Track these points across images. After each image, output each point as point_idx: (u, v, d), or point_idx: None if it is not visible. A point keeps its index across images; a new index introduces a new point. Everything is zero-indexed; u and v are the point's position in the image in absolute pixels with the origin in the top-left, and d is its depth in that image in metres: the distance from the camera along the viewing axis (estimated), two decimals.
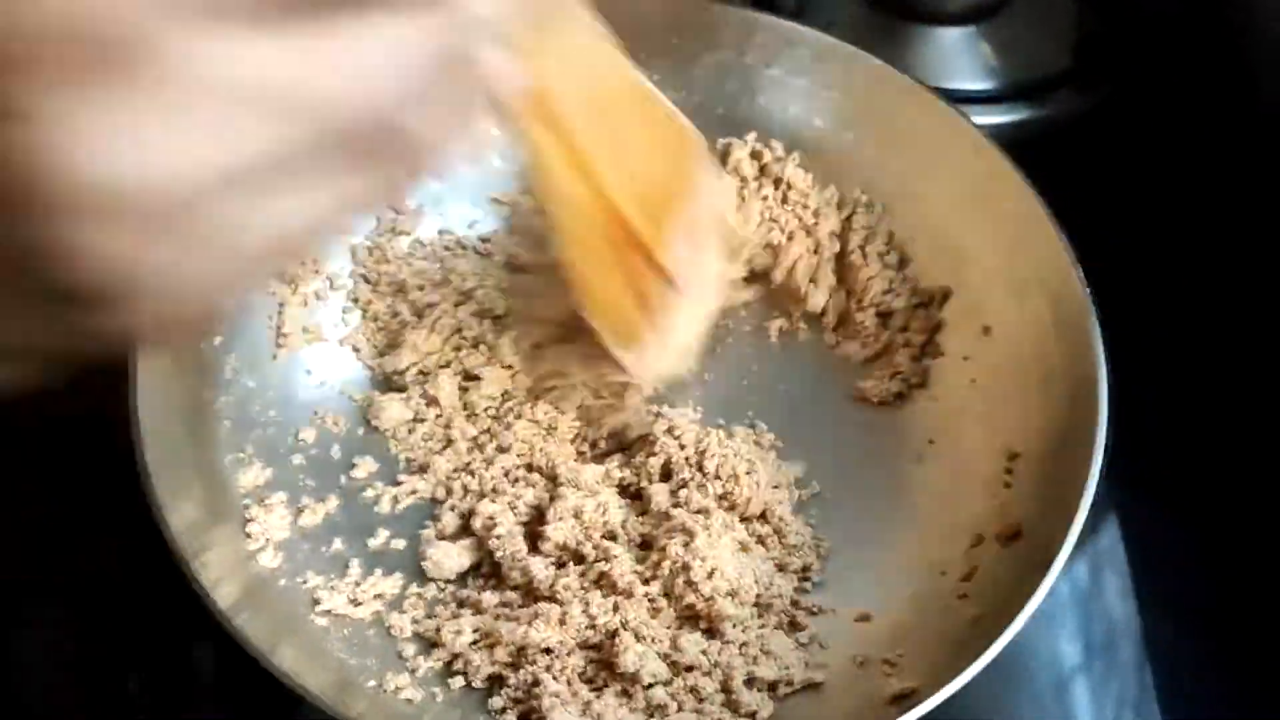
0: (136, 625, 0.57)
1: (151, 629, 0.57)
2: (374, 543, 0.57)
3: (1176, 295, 0.73)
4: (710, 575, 0.52)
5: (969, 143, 0.62)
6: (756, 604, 0.54)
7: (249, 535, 0.54)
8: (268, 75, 0.22)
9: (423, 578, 0.56)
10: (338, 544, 0.56)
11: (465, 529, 0.57)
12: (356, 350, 0.62)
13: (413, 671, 0.53)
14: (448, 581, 0.56)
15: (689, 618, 0.53)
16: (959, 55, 0.79)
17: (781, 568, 0.56)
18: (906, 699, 0.49)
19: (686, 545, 0.53)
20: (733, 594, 0.52)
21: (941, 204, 0.64)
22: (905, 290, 0.64)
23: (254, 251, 0.24)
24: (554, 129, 0.43)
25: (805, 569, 0.57)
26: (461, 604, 0.55)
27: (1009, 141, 0.60)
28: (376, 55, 0.24)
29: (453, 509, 0.57)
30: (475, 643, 0.53)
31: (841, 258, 0.65)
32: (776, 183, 0.66)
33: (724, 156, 0.66)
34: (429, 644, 0.54)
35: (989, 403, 0.60)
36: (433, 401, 0.59)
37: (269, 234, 0.24)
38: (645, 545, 0.55)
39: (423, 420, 0.60)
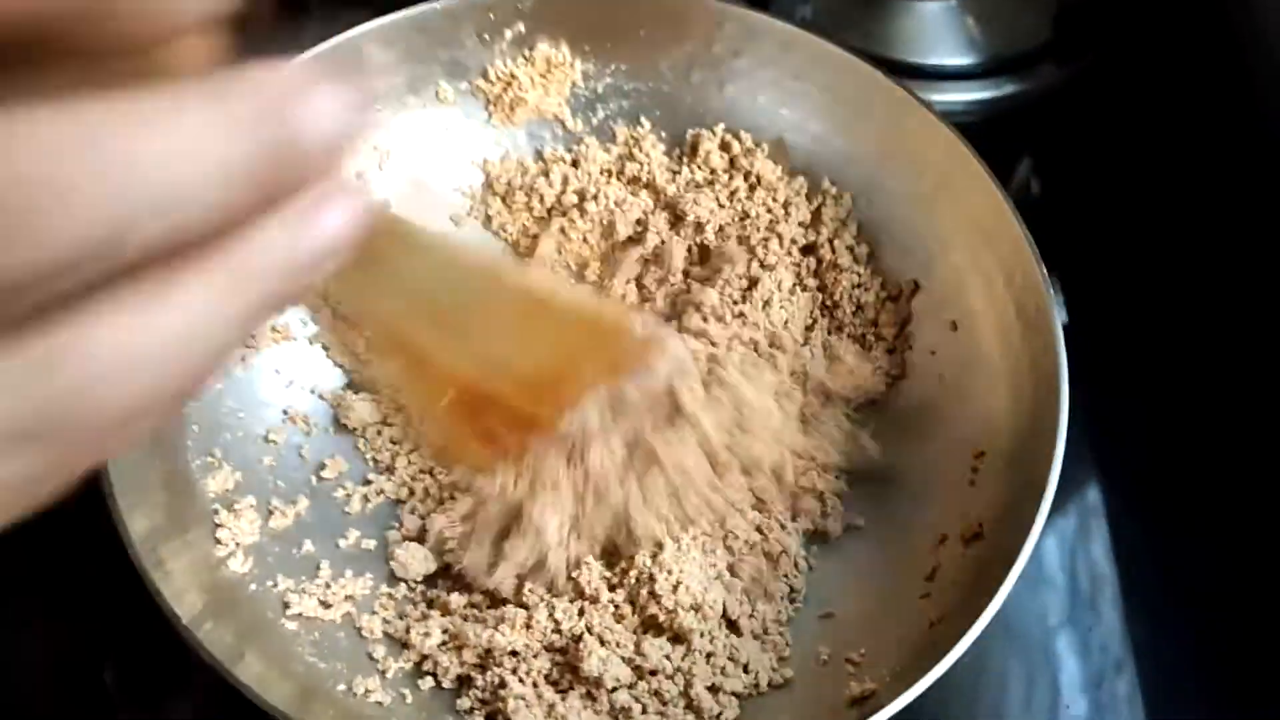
0: (112, 617, 0.58)
1: (127, 620, 0.57)
2: (344, 543, 0.57)
3: (1159, 273, 0.72)
4: (675, 589, 0.53)
5: (936, 136, 0.61)
6: (724, 617, 0.54)
7: (218, 541, 0.55)
8: None
9: (393, 578, 0.57)
10: (308, 546, 0.57)
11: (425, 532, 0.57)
12: (326, 349, 0.62)
13: (383, 673, 0.53)
14: (417, 582, 0.57)
15: (653, 625, 0.54)
16: (940, 29, 0.79)
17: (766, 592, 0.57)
18: (867, 700, 0.50)
19: (654, 557, 0.53)
20: (696, 608, 0.53)
21: (908, 197, 0.64)
22: (875, 284, 0.64)
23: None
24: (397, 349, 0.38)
25: (792, 590, 0.57)
26: (430, 604, 0.56)
27: (991, 115, 0.60)
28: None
29: (413, 511, 0.57)
30: (444, 644, 0.54)
31: (812, 250, 0.65)
32: (746, 175, 0.66)
33: (693, 148, 0.66)
34: (399, 645, 0.55)
35: (956, 399, 0.60)
36: (401, 407, 0.60)
37: None
38: (613, 552, 0.56)
39: (391, 423, 0.60)
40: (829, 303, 0.65)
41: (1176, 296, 0.72)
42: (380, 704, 0.52)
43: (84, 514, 0.53)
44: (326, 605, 0.55)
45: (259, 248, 0.21)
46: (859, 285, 0.64)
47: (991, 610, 0.48)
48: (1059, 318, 0.55)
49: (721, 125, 0.66)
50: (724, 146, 0.66)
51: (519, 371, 0.38)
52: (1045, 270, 0.56)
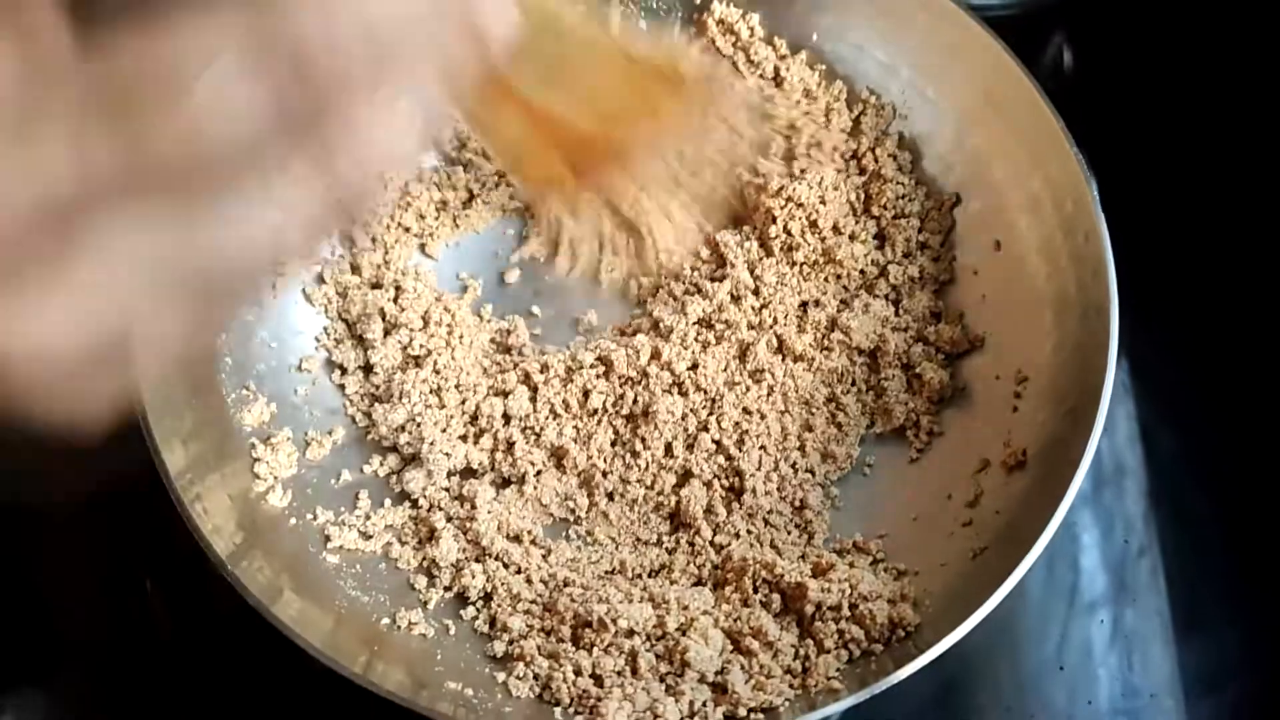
0: (155, 539, 0.58)
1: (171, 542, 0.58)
2: (383, 469, 0.57)
3: (1195, 166, 0.70)
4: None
5: (982, 48, 0.59)
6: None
7: (257, 476, 0.54)
8: (154, 247, 0.24)
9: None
10: (346, 475, 0.57)
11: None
12: (356, 270, 0.61)
13: (424, 604, 0.54)
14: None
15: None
16: None
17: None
18: (916, 633, 0.50)
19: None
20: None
21: (952, 112, 0.62)
22: (919, 194, 0.63)
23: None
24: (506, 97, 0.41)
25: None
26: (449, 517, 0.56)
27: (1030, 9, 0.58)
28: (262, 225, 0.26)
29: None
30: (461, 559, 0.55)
31: (856, 159, 0.64)
32: (777, 80, 0.64)
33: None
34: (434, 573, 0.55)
35: (998, 322, 0.59)
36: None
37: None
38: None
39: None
40: (875, 212, 0.63)
41: (1212, 192, 0.70)
42: (424, 636, 0.52)
43: (125, 451, 0.53)
44: (367, 536, 0.55)
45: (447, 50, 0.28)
46: (904, 196, 0.63)
47: (1040, 546, 0.47)
48: (1109, 244, 0.53)
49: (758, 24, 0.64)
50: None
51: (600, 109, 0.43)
52: (1097, 194, 0.54)
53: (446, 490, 0.56)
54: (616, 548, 0.56)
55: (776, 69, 0.64)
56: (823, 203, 0.61)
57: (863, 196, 0.63)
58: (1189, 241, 0.68)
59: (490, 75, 0.38)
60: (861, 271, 0.62)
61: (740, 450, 0.57)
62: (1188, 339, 0.66)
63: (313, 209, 0.26)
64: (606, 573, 0.55)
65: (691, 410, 0.58)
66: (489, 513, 0.55)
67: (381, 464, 0.57)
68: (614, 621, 0.51)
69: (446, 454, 0.56)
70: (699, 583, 0.55)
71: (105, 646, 0.58)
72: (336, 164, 0.26)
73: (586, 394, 0.57)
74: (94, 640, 0.58)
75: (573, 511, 0.57)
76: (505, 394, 0.58)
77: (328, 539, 0.54)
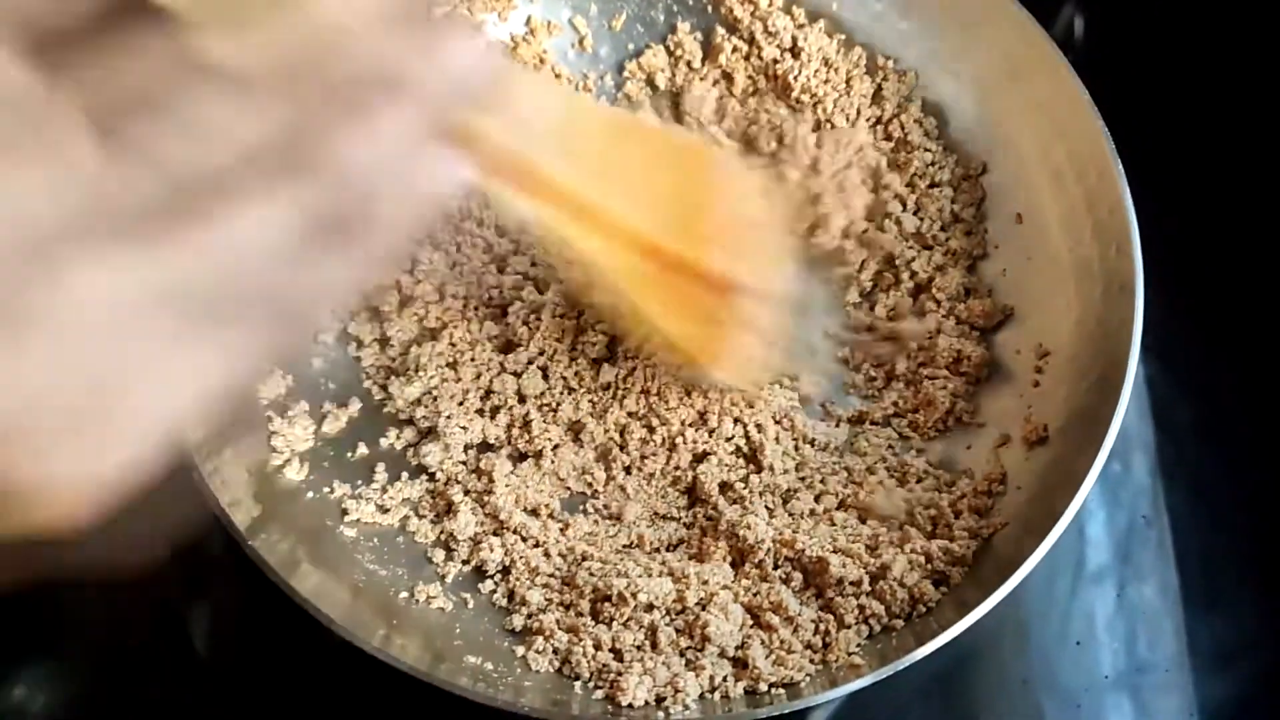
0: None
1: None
2: (399, 443, 0.57)
3: (1210, 126, 0.70)
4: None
5: (1006, 16, 0.58)
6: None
7: (274, 449, 0.54)
8: (141, 287, 0.23)
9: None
10: (362, 448, 0.56)
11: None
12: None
13: (442, 578, 0.54)
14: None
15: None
16: None
17: None
18: (936, 609, 0.50)
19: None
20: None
21: (974, 81, 0.61)
22: (949, 161, 0.62)
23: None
24: (547, 193, 0.40)
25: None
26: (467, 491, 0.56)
27: None
28: (251, 236, 0.24)
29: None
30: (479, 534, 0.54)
31: (882, 123, 0.63)
32: (795, 50, 0.64)
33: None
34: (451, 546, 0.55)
35: (1019, 295, 0.59)
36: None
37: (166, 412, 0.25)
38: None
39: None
40: (906, 185, 0.62)
41: (1226, 160, 0.69)
42: (442, 610, 0.52)
43: None
44: (384, 510, 0.55)
45: (420, 79, 0.27)
46: (934, 163, 0.62)
47: (1062, 524, 0.47)
48: (1134, 219, 0.53)
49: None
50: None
51: (665, 207, 0.44)
52: (1122, 168, 0.53)
53: (464, 464, 0.56)
54: (635, 521, 0.56)
55: (794, 39, 0.64)
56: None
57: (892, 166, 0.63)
58: (1205, 210, 0.67)
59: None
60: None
61: (758, 427, 0.57)
62: (1205, 309, 0.66)
63: (305, 236, 0.25)
64: (624, 546, 0.55)
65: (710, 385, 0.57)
66: (506, 486, 0.55)
67: (398, 437, 0.57)
68: (634, 595, 0.50)
69: (463, 428, 0.56)
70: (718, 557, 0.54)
71: (115, 618, 0.58)
72: (324, 188, 0.25)
73: (598, 369, 0.57)
74: (104, 611, 0.58)
75: (590, 485, 0.57)
76: (518, 373, 0.57)
77: (345, 512, 0.54)
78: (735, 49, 0.64)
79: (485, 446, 0.57)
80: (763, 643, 0.50)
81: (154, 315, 0.23)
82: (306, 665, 0.54)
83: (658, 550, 0.55)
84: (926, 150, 0.62)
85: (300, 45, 0.25)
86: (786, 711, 0.46)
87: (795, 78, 0.63)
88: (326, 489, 0.55)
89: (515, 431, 0.57)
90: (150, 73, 0.24)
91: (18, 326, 0.22)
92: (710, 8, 0.65)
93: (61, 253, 0.22)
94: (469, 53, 0.28)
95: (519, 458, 0.57)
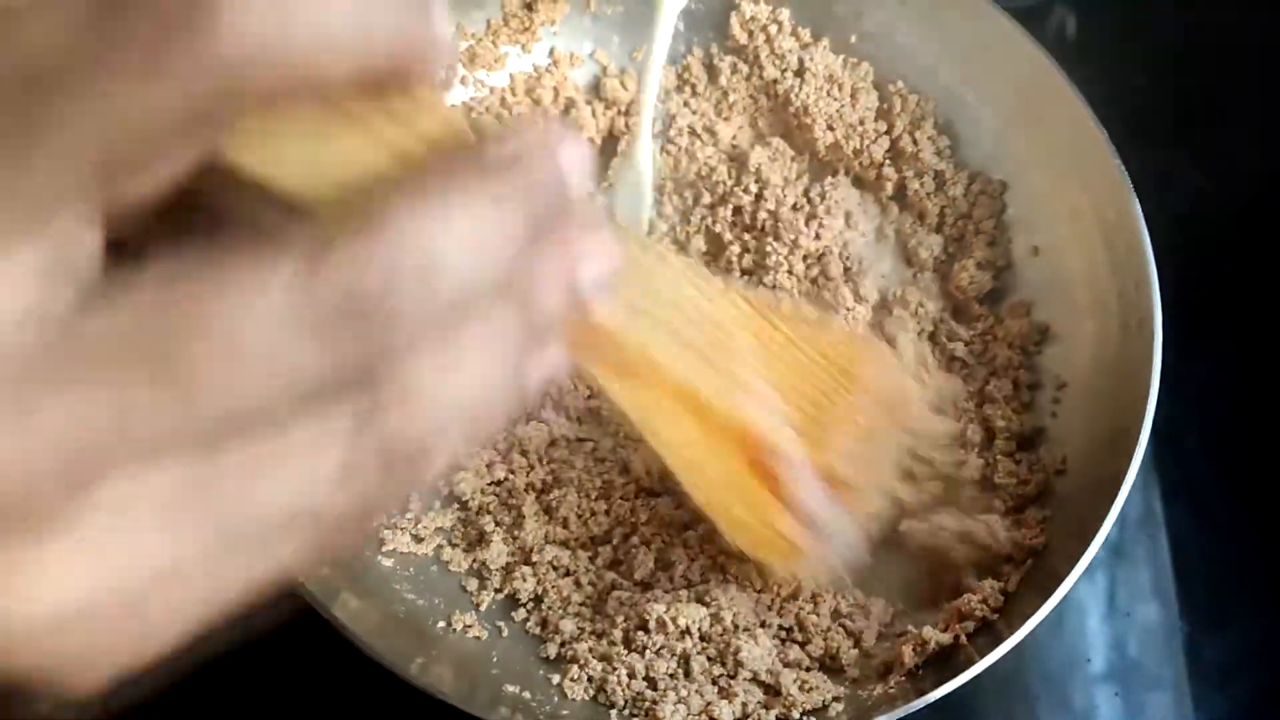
0: None
1: None
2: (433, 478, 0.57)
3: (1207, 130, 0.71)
4: None
5: (1021, 53, 0.60)
6: None
7: None
8: (178, 507, 0.22)
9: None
10: None
11: None
12: None
13: (477, 606, 0.55)
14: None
15: None
16: None
17: None
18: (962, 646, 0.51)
19: None
20: None
21: (989, 115, 0.62)
22: (962, 177, 0.63)
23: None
24: (651, 378, 0.37)
25: None
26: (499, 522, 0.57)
27: None
28: (302, 474, 0.22)
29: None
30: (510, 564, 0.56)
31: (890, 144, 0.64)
32: (800, 71, 0.65)
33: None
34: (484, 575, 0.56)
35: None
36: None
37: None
38: None
39: None
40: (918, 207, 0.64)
41: (1220, 163, 0.70)
42: (478, 639, 0.53)
43: None
44: (418, 539, 0.56)
45: (543, 293, 0.24)
46: (950, 180, 0.63)
47: (1087, 558, 0.49)
48: (1152, 258, 0.54)
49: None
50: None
51: (779, 399, 0.40)
52: (1139, 207, 0.55)
53: (495, 495, 0.57)
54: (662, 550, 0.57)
55: (800, 60, 0.65)
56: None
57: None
58: (1193, 213, 0.68)
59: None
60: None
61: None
62: (1207, 325, 0.66)
63: (359, 467, 0.23)
64: (652, 574, 0.56)
65: None
66: (535, 520, 0.56)
67: None
68: (673, 621, 0.51)
69: (488, 466, 0.57)
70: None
71: None
72: (387, 423, 0.22)
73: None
74: None
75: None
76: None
77: (381, 542, 0.55)
78: (735, 69, 0.65)
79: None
80: (788, 664, 0.52)
81: (190, 529, 0.22)
82: (341, 693, 0.55)
83: (685, 577, 0.56)
84: (937, 169, 0.63)
85: (401, 256, 0.21)
86: None
87: (796, 94, 0.64)
88: None
89: (532, 477, 0.58)
90: (222, 287, 0.21)
91: (47, 535, 0.21)
92: (718, 32, 0.66)
93: (98, 466, 0.21)
94: (598, 255, 0.24)
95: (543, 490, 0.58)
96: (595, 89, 0.66)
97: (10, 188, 0.21)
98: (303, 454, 0.22)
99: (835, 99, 0.63)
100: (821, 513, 0.45)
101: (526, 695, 0.51)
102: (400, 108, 0.24)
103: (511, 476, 0.57)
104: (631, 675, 0.51)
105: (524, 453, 0.58)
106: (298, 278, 0.21)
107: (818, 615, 0.53)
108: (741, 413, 0.39)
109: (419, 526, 0.56)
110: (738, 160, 0.64)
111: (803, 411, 0.41)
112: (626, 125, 0.65)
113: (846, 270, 0.61)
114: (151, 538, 0.22)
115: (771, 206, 0.62)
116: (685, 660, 0.51)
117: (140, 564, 0.22)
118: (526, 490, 0.57)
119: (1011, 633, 0.48)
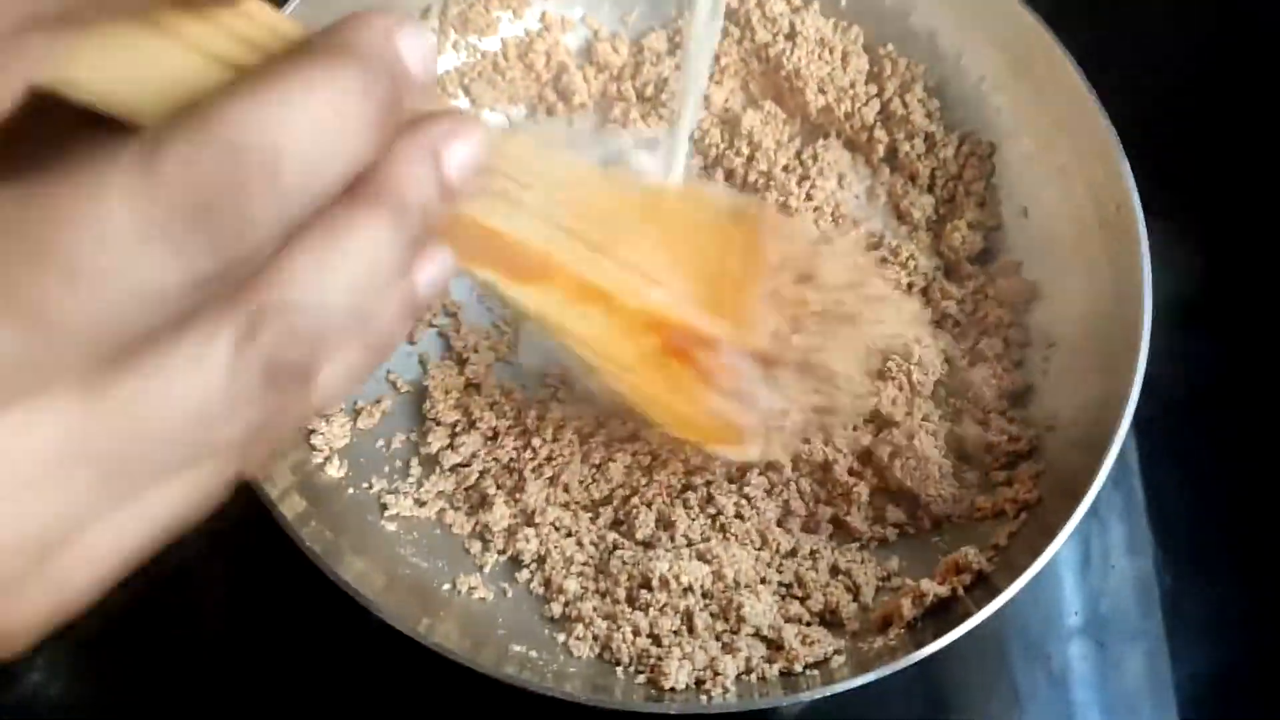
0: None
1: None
2: (435, 445, 0.58)
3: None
4: None
5: (1010, 15, 0.60)
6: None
7: (313, 447, 0.55)
8: (63, 447, 0.21)
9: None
10: (397, 443, 0.58)
11: None
12: None
13: (481, 568, 0.55)
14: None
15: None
16: None
17: None
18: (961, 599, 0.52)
19: None
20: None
21: (978, 78, 0.63)
22: (953, 139, 0.64)
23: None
24: (550, 278, 0.36)
25: None
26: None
27: None
28: (187, 391, 0.21)
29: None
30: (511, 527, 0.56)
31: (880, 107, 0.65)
32: (791, 34, 0.65)
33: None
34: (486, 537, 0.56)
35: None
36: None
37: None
38: None
39: None
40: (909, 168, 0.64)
41: (1222, 129, 0.70)
42: (484, 600, 0.54)
43: None
44: (421, 503, 0.56)
45: (407, 182, 0.23)
46: (940, 142, 0.64)
47: (1080, 512, 0.50)
48: (1141, 215, 0.55)
49: None
50: None
51: (694, 278, 0.40)
52: (1129, 166, 0.56)
53: (495, 460, 0.58)
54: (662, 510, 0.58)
55: (792, 23, 0.65)
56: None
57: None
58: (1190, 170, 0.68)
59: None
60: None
61: None
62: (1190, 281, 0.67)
63: (246, 388, 0.22)
64: (653, 534, 0.57)
65: None
66: (536, 484, 0.57)
67: (434, 433, 0.58)
68: (675, 579, 0.52)
69: (492, 437, 0.58)
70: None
71: (139, 604, 0.59)
72: (266, 337, 0.22)
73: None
74: (127, 597, 0.59)
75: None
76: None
77: (384, 507, 0.56)
78: (727, 33, 0.66)
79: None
80: (789, 619, 0.53)
81: (83, 474, 0.21)
82: (347, 656, 0.56)
83: (685, 534, 0.57)
84: (927, 133, 0.64)
85: (241, 148, 0.20)
86: (820, 696, 0.48)
87: (787, 58, 0.64)
88: (365, 484, 0.56)
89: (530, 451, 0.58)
90: (56, 209, 0.20)
91: None
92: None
93: None
94: (459, 136, 0.24)
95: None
96: (587, 53, 0.66)
97: None
98: (185, 379, 0.21)
99: (826, 63, 0.64)
100: (745, 387, 0.45)
101: (534, 654, 0.52)
102: (228, 20, 0.24)
103: (514, 446, 0.58)
104: (636, 633, 0.52)
105: (524, 429, 0.58)
106: (133, 182, 0.20)
107: (816, 571, 0.55)
108: (645, 298, 0.38)
109: (421, 490, 0.57)
110: (730, 123, 0.65)
111: (712, 291, 0.41)
112: (619, 91, 0.65)
113: (838, 229, 0.62)
114: (39, 495, 0.21)
115: (764, 168, 0.63)
116: (689, 617, 0.52)
117: (32, 525, 0.21)
118: (527, 453, 0.57)
119: (1007, 585, 0.49)
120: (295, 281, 0.22)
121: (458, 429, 0.58)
